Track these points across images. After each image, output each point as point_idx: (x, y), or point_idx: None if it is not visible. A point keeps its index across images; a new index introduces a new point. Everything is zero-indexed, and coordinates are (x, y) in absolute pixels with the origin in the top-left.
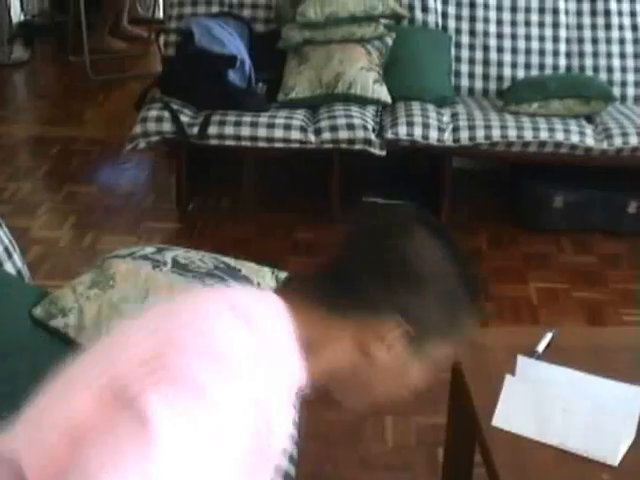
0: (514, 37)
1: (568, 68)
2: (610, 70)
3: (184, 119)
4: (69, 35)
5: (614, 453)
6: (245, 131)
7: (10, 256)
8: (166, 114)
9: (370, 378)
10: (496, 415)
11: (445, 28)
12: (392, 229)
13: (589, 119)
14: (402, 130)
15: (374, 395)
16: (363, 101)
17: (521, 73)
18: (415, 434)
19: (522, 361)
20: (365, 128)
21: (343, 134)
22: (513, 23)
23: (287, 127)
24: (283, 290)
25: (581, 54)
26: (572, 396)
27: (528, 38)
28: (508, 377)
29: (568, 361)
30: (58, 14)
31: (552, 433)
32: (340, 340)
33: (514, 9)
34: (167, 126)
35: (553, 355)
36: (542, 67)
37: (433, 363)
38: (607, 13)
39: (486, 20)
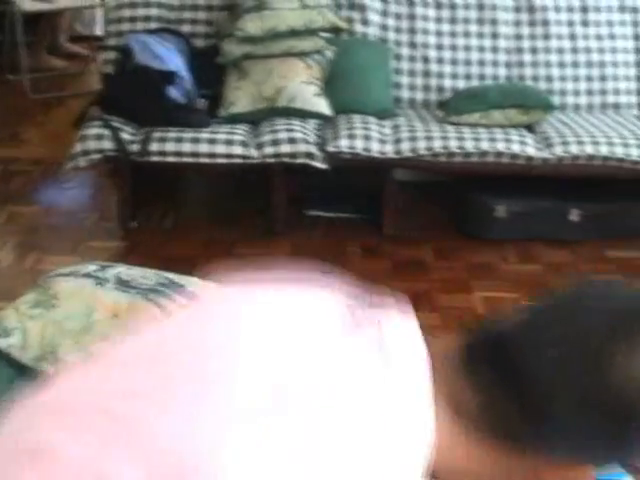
0: (454, 48)
1: (508, 78)
2: (549, 79)
3: (125, 136)
4: (6, 53)
5: None
6: (186, 147)
7: None
8: (106, 132)
9: None
10: None
11: (385, 40)
12: (611, 341)
13: (530, 128)
14: (344, 143)
15: None
16: (304, 115)
17: (461, 84)
18: None
19: None
20: (307, 142)
21: (285, 148)
22: (452, 34)
23: (229, 142)
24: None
25: (520, 64)
26: None
27: (468, 49)
28: None
29: None
30: None
31: None
32: (482, 463)
33: (453, 20)
34: (108, 144)
35: None
36: (482, 77)
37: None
38: (545, 23)
39: (426, 32)
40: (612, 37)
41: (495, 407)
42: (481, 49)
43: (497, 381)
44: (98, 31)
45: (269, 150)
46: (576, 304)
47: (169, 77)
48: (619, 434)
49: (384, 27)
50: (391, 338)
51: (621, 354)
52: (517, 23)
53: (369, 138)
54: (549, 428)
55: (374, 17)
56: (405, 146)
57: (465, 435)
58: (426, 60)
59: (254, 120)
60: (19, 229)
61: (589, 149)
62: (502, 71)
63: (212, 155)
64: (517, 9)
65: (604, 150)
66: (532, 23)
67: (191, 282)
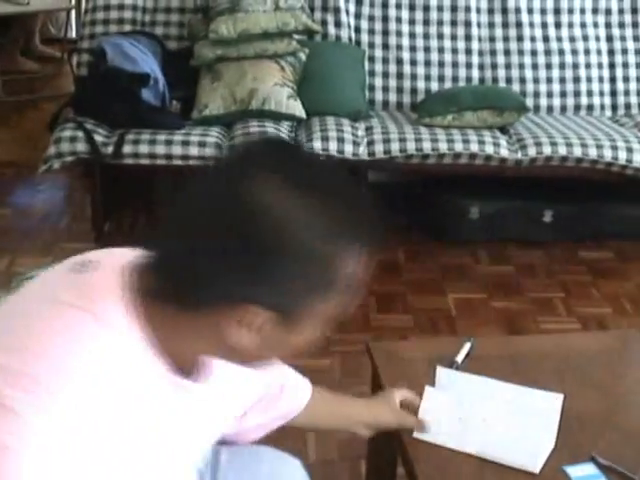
0: (427, 50)
1: (481, 80)
2: (523, 81)
3: (98, 139)
4: None
5: (534, 460)
6: (160, 149)
7: None
8: (80, 134)
9: (247, 356)
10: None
11: (358, 42)
12: (223, 196)
13: (503, 130)
14: (317, 145)
15: (263, 362)
16: (277, 117)
17: (435, 86)
18: (337, 448)
19: (441, 372)
20: None
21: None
22: (426, 36)
23: (202, 144)
24: (130, 286)
25: (494, 66)
26: (491, 405)
27: (441, 51)
28: (427, 388)
29: (487, 370)
30: None
31: (472, 443)
32: (199, 335)
33: (426, 22)
34: (81, 146)
35: (472, 365)
36: (455, 79)
37: (320, 323)
38: (519, 25)
39: (399, 34)
40: (585, 39)
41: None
42: (454, 51)
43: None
44: (71, 33)
45: None
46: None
47: (142, 79)
48: (257, 266)
49: (357, 29)
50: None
51: (254, 184)
52: (490, 25)
53: (342, 140)
54: (201, 268)
55: (347, 19)
56: (378, 148)
57: (178, 324)
58: (399, 62)
59: (228, 122)
60: None
61: (562, 150)
62: (475, 73)
63: (185, 157)
64: (490, 11)
65: (577, 151)
66: (505, 25)
67: None
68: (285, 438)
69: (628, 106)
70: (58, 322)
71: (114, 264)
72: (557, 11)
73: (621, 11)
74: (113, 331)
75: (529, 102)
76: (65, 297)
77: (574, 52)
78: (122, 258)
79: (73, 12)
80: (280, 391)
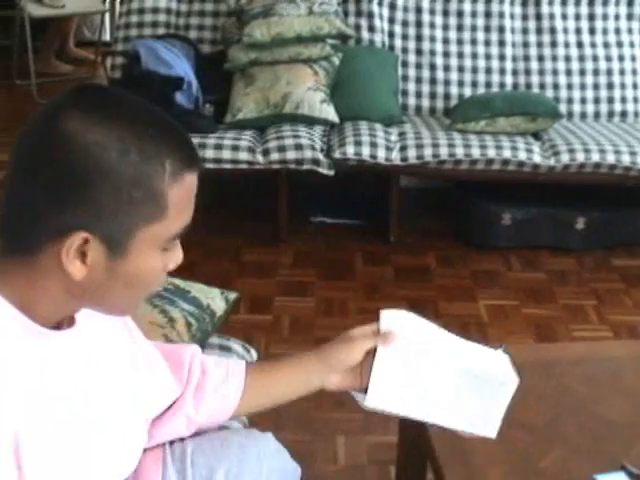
0: (461, 55)
1: (515, 86)
2: (556, 87)
3: None
4: (14, 59)
5: (492, 425)
6: None
7: None
8: None
9: (96, 293)
10: (369, 394)
11: (392, 47)
12: (38, 130)
13: (536, 136)
14: (350, 150)
15: (119, 301)
16: (311, 121)
17: (468, 91)
18: (367, 453)
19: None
20: (313, 148)
21: (291, 154)
22: (459, 41)
23: (235, 148)
24: None
25: (527, 72)
26: (442, 367)
27: (475, 56)
28: (380, 348)
29: (519, 376)
30: (3, 37)
31: (429, 410)
32: (48, 281)
33: (460, 28)
34: None
35: None
36: (489, 85)
37: (155, 247)
38: (553, 31)
39: (432, 39)
40: (619, 45)
41: None
42: (488, 56)
43: None
44: (105, 36)
45: (275, 156)
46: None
47: (176, 83)
48: (71, 192)
49: (391, 34)
50: None
51: (60, 118)
52: (524, 31)
53: (375, 145)
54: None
55: (381, 24)
56: (411, 153)
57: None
58: (433, 67)
59: (260, 126)
60: None
61: (595, 157)
62: (509, 79)
63: (218, 161)
64: (524, 17)
65: (611, 158)
66: (539, 31)
67: (196, 288)
68: (313, 442)
69: None
70: None
71: None
72: (591, 17)
73: None
74: None
75: (562, 108)
76: None
77: (608, 58)
78: None
79: (107, 15)
80: (203, 376)
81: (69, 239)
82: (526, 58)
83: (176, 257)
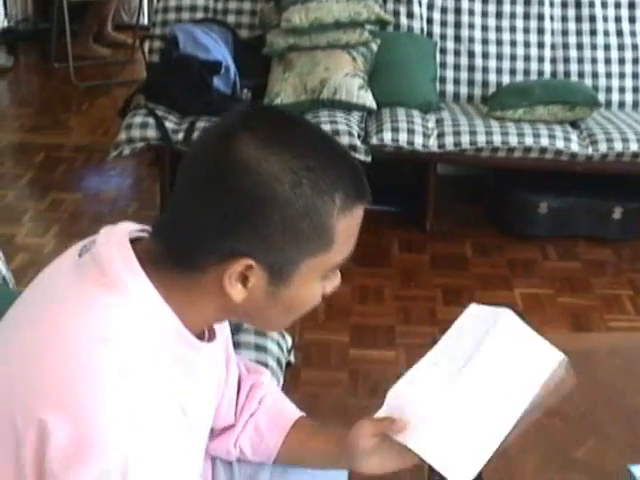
0: (499, 43)
1: (553, 74)
2: (595, 76)
3: (169, 125)
4: (53, 42)
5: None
6: None
7: None
8: (151, 120)
9: (254, 314)
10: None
11: (430, 34)
12: (212, 155)
13: (574, 125)
14: (387, 136)
15: (272, 323)
16: (348, 107)
17: (506, 79)
18: None
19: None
20: (350, 134)
21: None
22: (498, 29)
23: None
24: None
25: (566, 60)
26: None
27: (513, 44)
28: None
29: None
30: (41, 20)
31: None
32: (203, 296)
33: (499, 15)
34: (152, 132)
35: None
36: (527, 73)
37: (317, 277)
38: (592, 19)
39: (471, 26)
40: None
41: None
42: (527, 44)
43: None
44: (143, 20)
45: None
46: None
47: (214, 67)
48: (241, 219)
49: (429, 20)
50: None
51: (236, 143)
52: (564, 18)
53: (412, 131)
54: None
55: (420, 10)
56: (448, 140)
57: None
58: (471, 54)
59: (298, 112)
60: (62, 216)
61: (634, 146)
62: (547, 67)
63: None
64: (564, 4)
65: None
66: (579, 19)
67: None
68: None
69: None
70: (75, 304)
71: (118, 237)
72: (631, 5)
73: None
74: (129, 298)
75: (601, 97)
76: (75, 279)
77: None
78: (124, 230)
79: None
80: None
81: (234, 264)
82: (565, 46)
83: (335, 282)
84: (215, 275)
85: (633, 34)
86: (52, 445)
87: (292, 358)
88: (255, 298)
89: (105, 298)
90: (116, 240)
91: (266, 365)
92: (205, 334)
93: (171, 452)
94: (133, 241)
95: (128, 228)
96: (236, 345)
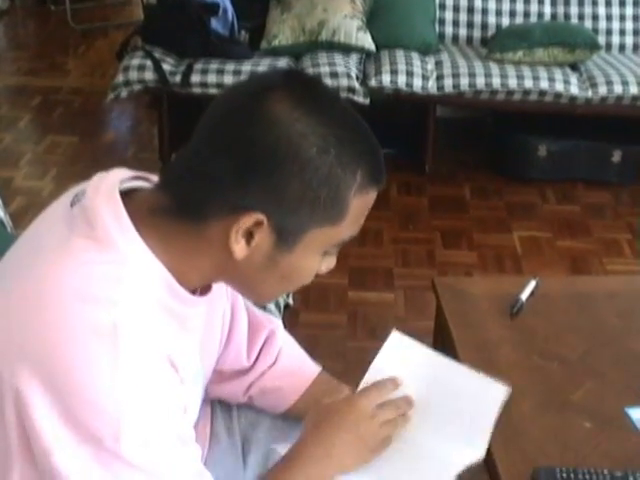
0: None
1: (553, 16)
2: (595, 18)
3: (166, 67)
4: None
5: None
6: (228, 79)
7: None
8: (148, 63)
9: (248, 277)
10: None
11: None
12: (241, 106)
13: (574, 68)
14: (386, 78)
15: (264, 291)
16: (347, 49)
17: (506, 21)
18: None
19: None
20: (349, 76)
21: (326, 82)
22: None
23: None
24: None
25: (566, 2)
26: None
27: None
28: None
29: (552, 309)
30: None
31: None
32: (202, 250)
33: None
34: (149, 75)
35: (537, 303)
36: (527, 15)
37: (320, 250)
38: None
39: None
40: None
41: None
42: None
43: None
44: None
45: None
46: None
47: (212, 9)
48: (262, 173)
49: None
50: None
51: (266, 99)
52: None
53: (411, 74)
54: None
55: None
56: (447, 82)
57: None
58: None
59: (296, 53)
60: (59, 159)
61: (634, 89)
62: (547, 8)
63: None
64: None
65: None
66: None
67: None
68: (346, 371)
69: None
70: (65, 258)
71: (108, 188)
72: None
73: None
74: (117, 254)
75: (601, 40)
76: (65, 231)
77: None
78: (115, 180)
79: None
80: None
81: (244, 217)
82: None
83: (331, 262)
84: (221, 228)
85: None
86: (33, 407)
87: (291, 301)
88: (255, 260)
89: (93, 255)
90: (106, 192)
91: (264, 308)
92: (198, 289)
93: (163, 410)
94: (127, 192)
95: (120, 177)
96: None
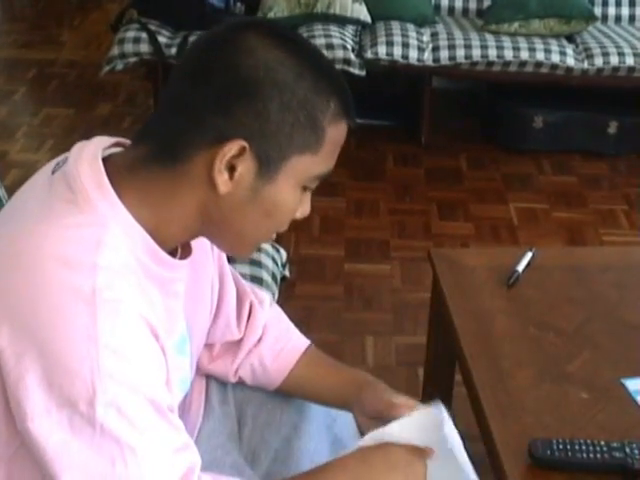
0: None
1: None
2: None
3: (162, 40)
4: None
5: None
6: None
7: None
8: (143, 35)
9: (231, 217)
10: None
11: None
12: (217, 41)
13: (570, 39)
14: (382, 50)
15: (246, 232)
16: (342, 21)
17: None
18: (395, 354)
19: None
20: (344, 48)
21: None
22: None
23: None
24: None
25: None
26: None
27: None
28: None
29: (548, 280)
30: None
31: None
32: (187, 187)
33: None
34: (145, 47)
35: (533, 275)
36: None
37: (299, 181)
38: None
39: None
40: None
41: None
42: None
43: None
44: None
45: None
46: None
47: None
48: (242, 100)
49: None
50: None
51: (242, 33)
52: None
53: (407, 45)
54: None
55: None
56: (443, 54)
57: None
58: None
59: (292, 25)
60: (55, 131)
61: (629, 61)
62: None
63: None
64: None
65: None
66: None
67: None
68: (342, 342)
69: None
70: (46, 226)
71: (89, 155)
72: None
73: None
74: (98, 218)
75: (597, 11)
76: (46, 196)
77: None
78: (96, 147)
79: None
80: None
81: (227, 146)
82: None
83: (306, 207)
84: (203, 162)
85: None
86: (11, 367)
87: (287, 272)
88: (238, 194)
89: (74, 218)
90: (87, 158)
91: (261, 280)
92: (179, 252)
93: (141, 378)
94: (107, 158)
95: (101, 144)
96: (230, 260)
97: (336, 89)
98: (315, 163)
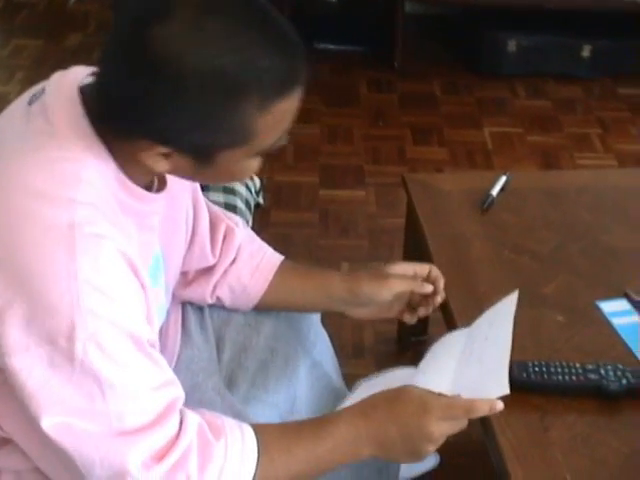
0: None
1: None
2: None
3: None
4: None
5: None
6: None
7: None
8: None
9: (184, 175)
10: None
11: None
12: (140, 22)
13: None
14: None
15: (209, 182)
16: None
17: None
18: None
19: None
20: None
21: None
22: None
23: None
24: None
25: None
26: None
27: None
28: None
29: (523, 204)
30: None
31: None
32: (136, 155)
33: None
34: None
35: (508, 198)
36: None
37: (244, 159)
38: None
39: None
40: None
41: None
42: None
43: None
44: None
45: None
46: None
47: None
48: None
49: None
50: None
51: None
52: None
53: None
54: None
55: None
56: None
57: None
58: None
59: None
60: (25, 63)
61: None
62: None
63: None
64: None
65: None
66: None
67: None
68: None
69: None
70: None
71: (67, 88)
72: None
73: None
74: (75, 152)
75: None
76: (23, 127)
77: None
78: (74, 79)
79: None
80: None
81: (151, 149)
82: None
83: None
84: (138, 148)
85: None
86: None
87: (261, 200)
88: (181, 170)
89: (52, 152)
90: (65, 91)
91: (235, 207)
92: (155, 185)
93: (121, 314)
94: (84, 89)
95: (79, 75)
96: (204, 188)
97: (263, 75)
98: (254, 147)
